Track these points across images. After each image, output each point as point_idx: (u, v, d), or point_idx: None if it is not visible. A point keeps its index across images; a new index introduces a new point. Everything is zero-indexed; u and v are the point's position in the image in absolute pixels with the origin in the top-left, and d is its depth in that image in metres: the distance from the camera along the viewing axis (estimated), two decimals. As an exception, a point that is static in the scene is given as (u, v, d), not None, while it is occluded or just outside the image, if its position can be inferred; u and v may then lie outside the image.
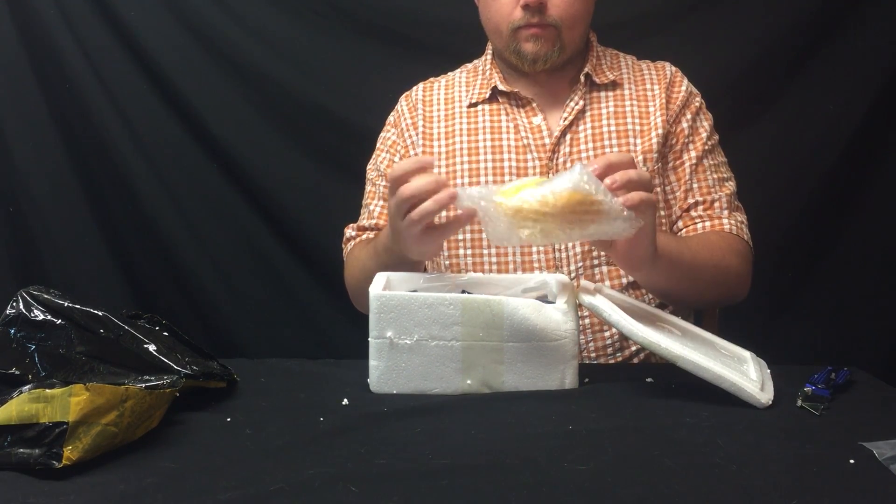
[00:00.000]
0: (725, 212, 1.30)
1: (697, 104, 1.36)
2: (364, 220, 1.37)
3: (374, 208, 1.37)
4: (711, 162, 1.33)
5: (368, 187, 1.41)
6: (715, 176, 1.32)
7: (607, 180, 0.94)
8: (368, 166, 1.43)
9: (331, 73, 1.82)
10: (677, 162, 1.32)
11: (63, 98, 1.82)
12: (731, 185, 1.34)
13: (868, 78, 1.76)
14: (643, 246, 1.03)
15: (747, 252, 1.29)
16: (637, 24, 1.74)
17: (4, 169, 1.83)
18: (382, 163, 1.39)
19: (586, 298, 0.97)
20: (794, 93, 1.80)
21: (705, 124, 1.35)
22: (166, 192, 1.85)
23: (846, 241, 1.83)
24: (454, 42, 1.75)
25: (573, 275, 1.27)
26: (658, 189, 1.30)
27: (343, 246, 1.40)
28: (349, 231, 1.39)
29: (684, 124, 1.33)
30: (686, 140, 1.32)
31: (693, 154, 1.32)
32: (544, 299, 1.00)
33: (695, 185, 1.31)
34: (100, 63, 1.81)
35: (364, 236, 1.36)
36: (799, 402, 0.91)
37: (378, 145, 1.43)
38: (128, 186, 1.84)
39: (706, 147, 1.33)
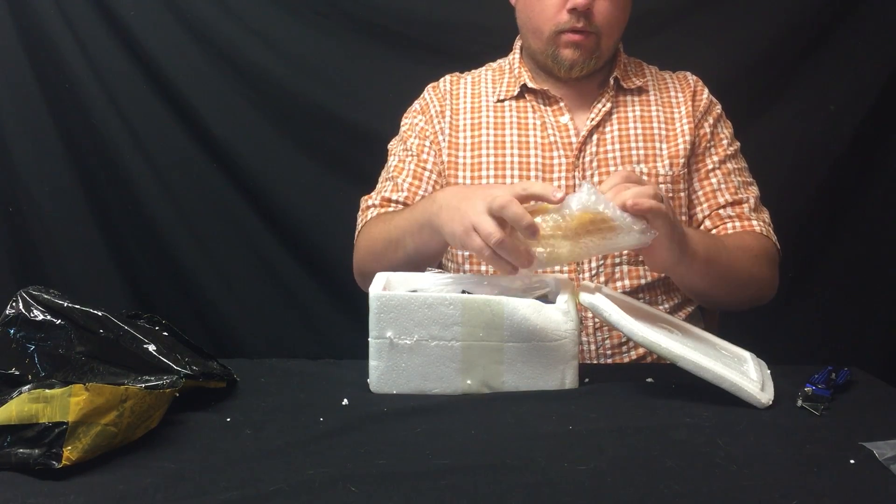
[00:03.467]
0: (754, 213, 1.32)
1: (718, 111, 1.39)
2: (390, 193, 1.35)
3: (403, 182, 1.35)
4: (735, 166, 1.36)
5: (395, 162, 1.39)
6: (739, 178, 1.35)
7: (619, 198, 0.96)
8: (392, 144, 1.43)
9: (331, 73, 1.82)
10: (700, 164, 1.34)
11: (63, 98, 1.82)
12: (754, 189, 1.36)
13: (869, 78, 1.76)
14: (664, 250, 1.03)
15: (776, 255, 1.32)
16: (638, 23, 1.73)
17: (4, 169, 1.83)
18: (413, 146, 1.38)
19: (586, 298, 0.97)
20: (794, 93, 1.80)
21: (726, 131, 1.38)
22: (166, 192, 1.85)
23: (846, 241, 1.83)
24: (455, 42, 1.75)
25: (593, 273, 1.29)
26: (682, 193, 1.32)
27: (360, 214, 1.37)
28: (370, 200, 1.36)
29: (707, 129, 1.36)
30: (709, 144, 1.35)
31: (716, 158, 1.35)
32: (544, 299, 1.00)
33: (722, 186, 1.33)
34: (100, 63, 1.80)
35: (391, 208, 1.34)
36: (799, 402, 0.91)
37: (404, 129, 1.42)
38: (128, 186, 1.84)
39: (728, 152, 1.36)
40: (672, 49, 1.69)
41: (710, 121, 1.36)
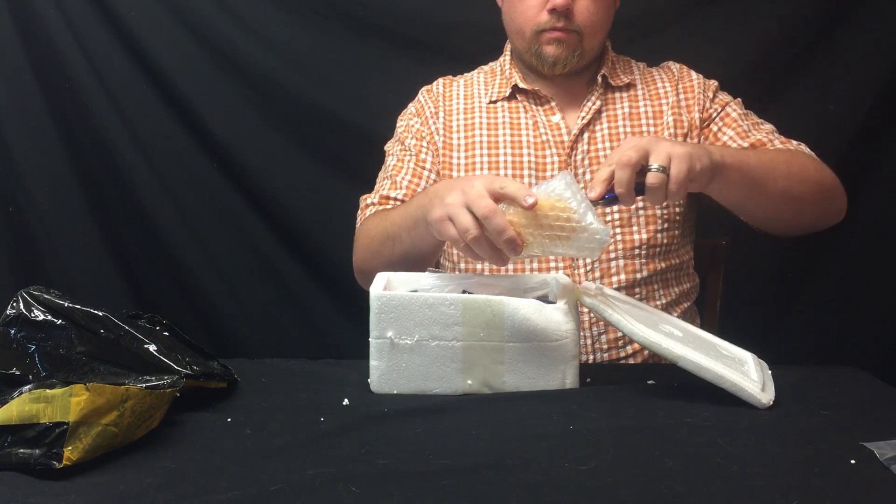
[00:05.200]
0: (777, 141, 1.31)
1: (715, 85, 1.40)
2: (389, 190, 1.35)
3: (402, 180, 1.36)
4: (741, 111, 1.37)
5: (393, 161, 1.40)
6: (748, 122, 1.35)
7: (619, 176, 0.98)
8: (388, 146, 1.44)
9: (331, 74, 1.82)
10: (719, 132, 1.35)
11: (63, 98, 1.82)
12: (768, 126, 1.36)
13: (868, 78, 1.76)
14: (696, 168, 1.01)
15: (825, 164, 1.29)
16: (637, 23, 1.74)
17: (4, 169, 1.82)
18: (411, 146, 1.39)
19: (587, 299, 0.98)
20: (793, 93, 1.79)
21: (727, 97, 1.40)
22: (166, 192, 1.85)
23: (846, 240, 1.83)
24: (455, 42, 1.75)
25: (588, 268, 1.29)
26: None
27: (359, 213, 1.39)
28: (369, 199, 1.38)
29: (708, 103, 1.37)
30: (719, 113, 1.36)
31: (728, 121, 1.35)
32: (545, 299, 1.00)
33: (735, 136, 1.32)
34: (100, 63, 1.80)
35: (389, 205, 1.35)
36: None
37: (400, 131, 1.44)
38: (128, 187, 1.84)
39: (739, 112, 1.36)
40: (671, 49, 1.68)
41: (710, 94, 1.38)
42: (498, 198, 0.95)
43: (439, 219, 0.99)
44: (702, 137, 1.36)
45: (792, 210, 1.24)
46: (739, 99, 1.41)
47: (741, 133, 1.32)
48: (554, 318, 0.96)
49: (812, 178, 1.23)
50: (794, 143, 1.33)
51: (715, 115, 1.36)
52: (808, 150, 1.31)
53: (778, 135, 1.34)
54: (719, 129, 1.35)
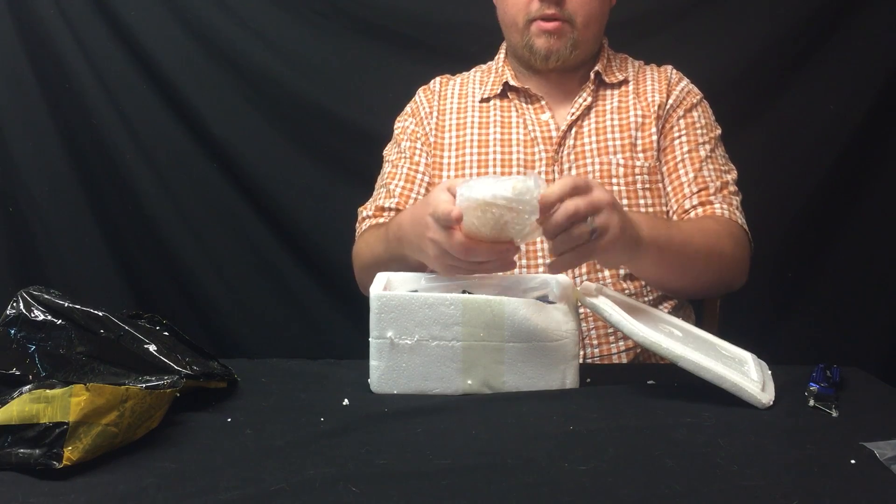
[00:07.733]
0: (719, 196, 1.30)
1: (694, 101, 1.37)
2: (383, 200, 1.37)
3: (395, 188, 1.37)
4: (707, 154, 1.33)
5: (388, 168, 1.41)
6: (711, 167, 1.32)
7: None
8: (387, 150, 1.45)
9: (331, 73, 1.82)
10: (670, 155, 1.33)
11: (63, 98, 1.82)
12: (728, 176, 1.34)
13: (868, 78, 1.76)
14: (616, 246, 1.00)
15: (742, 235, 1.28)
16: (637, 23, 1.75)
17: (4, 169, 1.83)
18: (406, 148, 1.40)
19: (587, 299, 0.98)
20: (794, 92, 1.80)
21: (701, 120, 1.36)
22: (166, 192, 1.85)
23: (846, 240, 1.83)
24: (455, 42, 1.75)
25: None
26: (660, 185, 1.33)
27: (357, 226, 1.40)
28: (365, 211, 1.39)
29: (675, 120, 1.35)
30: (678, 135, 1.34)
31: (686, 148, 1.33)
32: (545, 299, 1.00)
33: (690, 176, 1.31)
34: (100, 63, 1.80)
35: (383, 217, 1.35)
36: (811, 403, 0.91)
37: (397, 133, 1.44)
38: (128, 186, 1.84)
39: (701, 140, 1.34)
40: (671, 50, 1.68)
41: (681, 111, 1.35)
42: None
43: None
44: (660, 156, 1.33)
45: (692, 288, 1.28)
46: (719, 130, 1.37)
47: (700, 179, 1.30)
48: (554, 318, 0.96)
49: (716, 262, 1.23)
50: (734, 201, 1.30)
51: (681, 137, 1.33)
52: (739, 217, 1.29)
53: (725, 185, 1.31)
54: (680, 161, 1.31)
